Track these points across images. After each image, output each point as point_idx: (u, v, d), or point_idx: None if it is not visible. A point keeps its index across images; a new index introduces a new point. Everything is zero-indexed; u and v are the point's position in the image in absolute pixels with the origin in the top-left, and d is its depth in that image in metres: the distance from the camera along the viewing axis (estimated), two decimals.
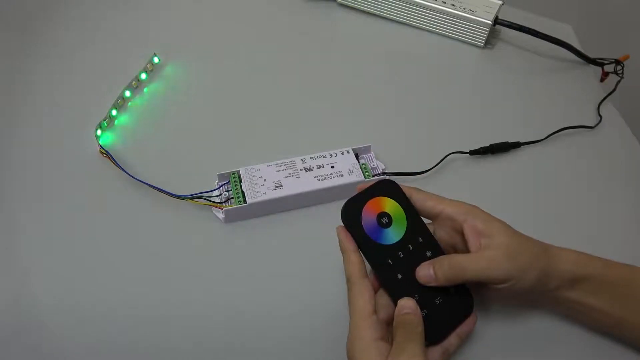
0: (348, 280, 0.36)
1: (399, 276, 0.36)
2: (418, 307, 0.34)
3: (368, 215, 0.37)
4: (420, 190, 0.39)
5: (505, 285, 0.35)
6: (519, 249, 0.36)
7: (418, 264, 0.36)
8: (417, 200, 0.39)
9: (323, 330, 0.41)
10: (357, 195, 0.38)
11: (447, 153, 0.53)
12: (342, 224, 0.37)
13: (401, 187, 0.39)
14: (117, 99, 0.56)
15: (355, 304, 0.35)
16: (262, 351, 0.40)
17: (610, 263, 0.38)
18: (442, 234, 0.39)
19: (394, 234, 0.37)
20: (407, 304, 0.34)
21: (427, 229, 0.38)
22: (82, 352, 0.40)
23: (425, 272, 0.36)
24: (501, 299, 0.39)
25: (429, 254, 0.37)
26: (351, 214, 0.37)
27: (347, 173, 0.49)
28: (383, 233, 0.37)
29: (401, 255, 0.36)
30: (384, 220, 0.37)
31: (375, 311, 0.34)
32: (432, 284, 0.36)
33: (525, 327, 0.41)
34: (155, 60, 0.61)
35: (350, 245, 0.36)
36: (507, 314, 0.42)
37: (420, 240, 0.37)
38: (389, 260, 0.36)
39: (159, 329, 0.41)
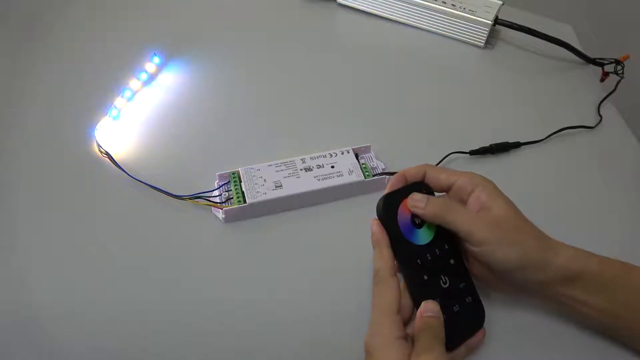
0: (377, 275, 0.36)
1: (425, 277, 0.36)
2: (441, 311, 0.34)
3: (403, 213, 0.37)
4: (434, 165, 0.40)
5: (479, 248, 0.36)
6: (511, 225, 0.37)
7: (442, 269, 0.37)
8: (431, 174, 0.39)
9: (324, 330, 0.41)
10: (393, 192, 0.38)
11: (448, 153, 0.53)
12: (376, 218, 0.38)
13: (415, 167, 0.40)
14: (117, 99, 0.56)
15: (381, 300, 0.35)
16: (262, 351, 0.40)
17: (605, 260, 0.38)
18: None
19: (424, 236, 0.37)
20: (432, 307, 0.34)
21: (452, 238, 0.38)
22: (81, 353, 0.40)
23: (419, 198, 0.37)
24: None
25: (452, 261, 0.38)
26: (389, 209, 0.37)
27: (347, 173, 0.49)
28: (415, 233, 0.37)
29: (429, 258, 0.37)
30: (417, 220, 0.38)
31: (399, 310, 0.35)
32: (417, 212, 0.37)
33: (525, 326, 0.42)
34: (156, 60, 0.61)
35: (385, 239, 0.37)
36: (508, 317, 0.42)
37: (446, 246, 0.38)
38: (418, 260, 0.36)
39: (158, 329, 0.41)
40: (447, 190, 0.40)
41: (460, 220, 0.36)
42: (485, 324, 0.37)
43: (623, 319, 0.37)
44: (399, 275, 0.37)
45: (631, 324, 0.37)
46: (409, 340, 0.34)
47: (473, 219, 0.36)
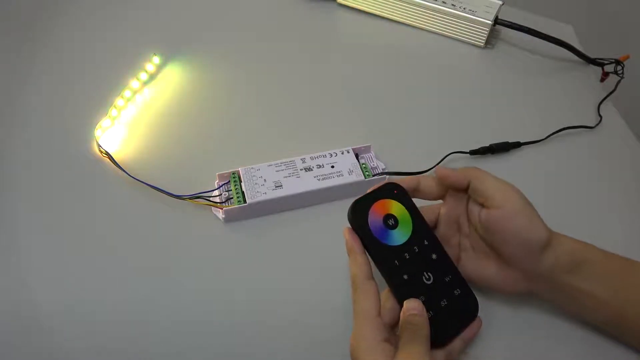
0: (353, 282, 0.36)
1: (405, 277, 0.36)
2: (424, 308, 0.34)
3: (375, 216, 0.37)
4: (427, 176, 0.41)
5: (500, 210, 0.37)
6: (518, 199, 0.38)
7: (424, 266, 0.37)
8: (425, 183, 0.40)
9: (324, 330, 0.41)
10: (363, 197, 0.38)
11: (447, 153, 0.53)
12: (349, 226, 0.38)
13: (409, 177, 0.40)
14: (117, 99, 0.56)
15: (360, 306, 0.35)
16: (262, 352, 0.40)
17: (609, 253, 0.38)
18: (448, 210, 0.41)
19: (400, 236, 0.37)
20: (414, 305, 0.34)
21: (433, 233, 0.38)
22: (81, 353, 0.40)
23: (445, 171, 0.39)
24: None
25: (434, 256, 0.37)
26: (358, 215, 0.37)
27: (347, 173, 0.49)
28: (389, 234, 0.37)
29: (407, 257, 0.37)
30: (390, 222, 0.38)
31: (380, 313, 0.34)
32: (450, 180, 0.39)
33: (527, 325, 0.42)
34: (156, 60, 0.61)
35: (357, 246, 0.37)
36: (510, 317, 0.42)
37: (426, 242, 0.38)
38: (396, 261, 0.36)
39: (158, 329, 0.41)
40: (441, 195, 0.41)
41: (477, 174, 0.38)
42: (486, 323, 0.37)
43: (628, 311, 0.37)
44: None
45: (633, 319, 0.37)
46: (394, 342, 0.34)
47: (487, 178, 0.38)
